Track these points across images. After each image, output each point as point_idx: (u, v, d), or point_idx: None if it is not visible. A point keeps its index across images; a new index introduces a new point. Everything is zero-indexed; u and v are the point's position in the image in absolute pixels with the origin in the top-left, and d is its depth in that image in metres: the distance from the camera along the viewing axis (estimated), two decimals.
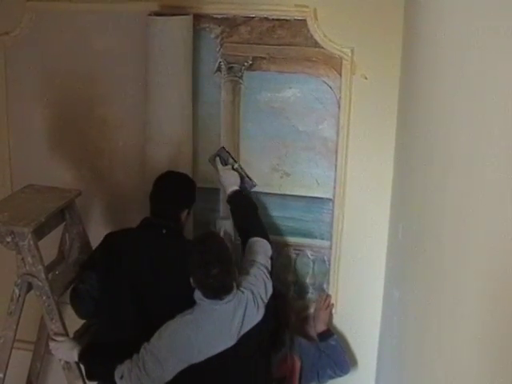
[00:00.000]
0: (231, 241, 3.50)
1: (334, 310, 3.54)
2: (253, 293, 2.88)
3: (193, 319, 2.82)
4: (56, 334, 3.14)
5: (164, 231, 3.12)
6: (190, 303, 2.93)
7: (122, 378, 2.83)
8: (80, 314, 3.23)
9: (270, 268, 3.07)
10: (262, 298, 2.90)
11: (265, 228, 3.27)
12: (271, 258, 3.13)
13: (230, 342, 2.81)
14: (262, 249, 3.11)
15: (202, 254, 2.81)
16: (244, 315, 2.83)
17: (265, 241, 3.16)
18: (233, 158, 3.39)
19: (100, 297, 3.12)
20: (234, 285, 2.84)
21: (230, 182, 3.33)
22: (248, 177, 3.39)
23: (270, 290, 2.97)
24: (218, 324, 2.81)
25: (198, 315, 2.83)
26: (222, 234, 3.49)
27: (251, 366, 2.95)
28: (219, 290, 2.79)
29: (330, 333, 3.41)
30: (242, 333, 2.83)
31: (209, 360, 2.79)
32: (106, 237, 3.18)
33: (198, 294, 2.83)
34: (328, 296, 3.52)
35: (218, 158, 3.38)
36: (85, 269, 3.21)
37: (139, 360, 2.81)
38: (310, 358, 3.30)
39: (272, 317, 3.00)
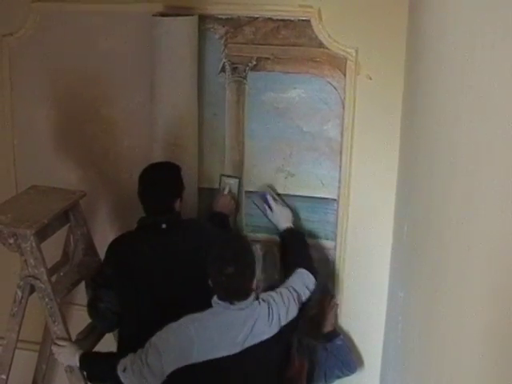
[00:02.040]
0: (235, 198, 3.48)
1: (338, 310, 3.54)
2: (270, 307, 2.82)
3: (200, 318, 2.80)
4: (58, 338, 3.14)
5: (164, 226, 3.11)
6: (209, 292, 2.91)
7: (124, 370, 2.82)
8: (105, 329, 3.27)
9: (303, 298, 2.99)
10: (279, 317, 2.84)
11: (313, 264, 3.20)
12: (310, 292, 3.05)
13: (233, 349, 2.76)
14: (301, 278, 3.05)
15: (220, 251, 2.80)
16: (254, 326, 2.78)
17: (309, 274, 3.09)
18: (278, 195, 3.42)
19: (122, 310, 3.12)
20: (252, 294, 2.80)
21: (283, 220, 3.32)
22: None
23: (293, 315, 2.89)
24: (224, 329, 2.77)
25: (206, 315, 2.80)
26: (226, 191, 3.46)
27: (255, 380, 2.90)
28: (231, 291, 2.76)
29: (336, 333, 3.40)
30: (248, 344, 2.77)
31: (209, 364, 2.76)
32: (110, 248, 3.15)
33: (214, 298, 2.80)
34: (332, 296, 3.51)
35: (268, 196, 3.39)
36: (99, 286, 3.17)
37: (143, 353, 2.79)
38: (316, 359, 3.29)
39: (285, 343, 2.94)
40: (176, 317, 2.88)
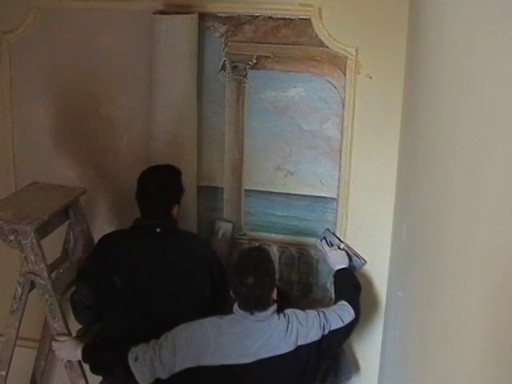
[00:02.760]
0: (228, 243, 3.51)
1: None
2: (290, 323, 2.82)
3: (220, 323, 2.82)
4: (59, 333, 3.14)
5: (158, 230, 3.10)
6: (194, 299, 2.98)
7: (136, 359, 2.82)
8: (78, 321, 3.26)
9: (332, 327, 2.89)
10: (297, 336, 2.82)
11: (358, 305, 3.07)
12: (343, 327, 2.95)
13: (246, 359, 2.77)
14: (339, 308, 2.99)
15: (241, 261, 2.87)
16: (269, 339, 2.78)
17: (350, 309, 2.98)
18: (338, 239, 3.41)
19: (95, 305, 3.13)
20: (272, 306, 2.81)
21: (338, 262, 3.30)
22: (356, 255, 3.38)
23: (313, 338, 2.85)
24: (240, 337, 2.79)
25: (226, 322, 2.82)
26: (220, 235, 3.49)
27: None
28: (251, 301, 2.77)
29: None
30: (262, 356, 2.78)
31: (220, 370, 2.76)
32: (100, 242, 3.17)
33: (235, 306, 2.83)
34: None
35: (324, 241, 3.39)
36: (78, 277, 3.23)
37: (157, 344, 2.81)
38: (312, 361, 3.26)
39: (302, 365, 2.88)
40: (161, 320, 2.93)
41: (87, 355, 3.07)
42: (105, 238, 3.19)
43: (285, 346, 2.80)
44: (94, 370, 3.12)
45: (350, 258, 3.34)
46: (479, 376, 1.37)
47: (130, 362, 2.83)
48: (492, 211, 1.34)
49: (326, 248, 3.36)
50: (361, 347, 3.58)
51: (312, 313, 2.91)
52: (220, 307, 3.10)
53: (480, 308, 1.41)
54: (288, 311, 2.86)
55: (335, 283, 3.26)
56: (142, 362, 2.81)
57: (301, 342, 2.83)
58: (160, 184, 3.14)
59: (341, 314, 2.96)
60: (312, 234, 3.48)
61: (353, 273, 3.31)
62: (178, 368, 2.78)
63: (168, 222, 3.13)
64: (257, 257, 2.88)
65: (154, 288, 3.07)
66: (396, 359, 2.80)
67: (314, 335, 2.85)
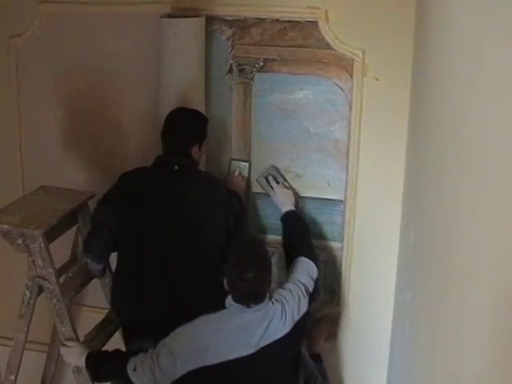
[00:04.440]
0: (246, 180, 3.48)
1: (345, 316, 3.56)
2: (283, 306, 2.84)
3: (216, 320, 2.81)
4: (67, 338, 3.14)
5: (176, 167, 3.14)
6: (208, 237, 3.07)
7: (134, 369, 2.82)
8: (91, 248, 3.20)
9: (310, 289, 3.03)
10: (292, 314, 2.86)
11: (314, 251, 3.23)
12: (316, 281, 3.09)
13: (248, 350, 2.77)
14: (304, 268, 3.07)
15: (240, 255, 2.81)
16: (268, 327, 2.79)
17: (311, 262, 3.12)
18: (283, 177, 3.41)
19: (119, 230, 3.15)
20: (267, 295, 2.82)
21: (285, 201, 3.34)
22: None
23: (304, 309, 2.93)
24: (240, 330, 2.78)
25: (222, 317, 2.81)
26: (236, 173, 3.47)
27: (269, 380, 2.91)
28: (250, 296, 2.76)
29: (319, 359, 3.35)
30: (263, 344, 2.79)
31: (223, 366, 2.76)
32: (121, 176, 3.20)
33: (228, 299, 2.81)
34: (326, 324, 3.52)
35: (270, 178, 3.40)
36: (100, 204, 3.22)
37: (154, 352, 2.80)
38: (310, 371, 3.20)
39: (300, 335, 2.97)
40: (173, 253, 3.07)
41: (90, 363, 3.07)
42: (126, 173, 3.21)
43: (283, 329, 2.83)
44: (96, 378, 3.13)
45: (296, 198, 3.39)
46: (489, 378, 1.37)
47: (129, 372, 2.83)
48: (501, 212, 1.34)
49: (274, 184, 3.38)
50: (369, 349, 3.57)
51: (292, 286, 2.95)
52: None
53: (489, 309, 1.40)
54: (275, 295, 2.87)
55: (285, 228, 3.31)
56: (141, 371, 2.80)
57: (296, 318, 2.87)
58: (182, 122, 3.19)
59: (309, 273, 3.07)
60: (320, 236, 3.48)
61: (301, 216, 3.35)
62: (179, 374, 2.77)
63: (187, 161, 3.17)
64: (257, 252, 2.84)
65: (169, 225, 3.11)
66: (405, 362, 2.79)
67: (304, 307, 2.93)
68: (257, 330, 2.77)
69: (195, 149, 3.18)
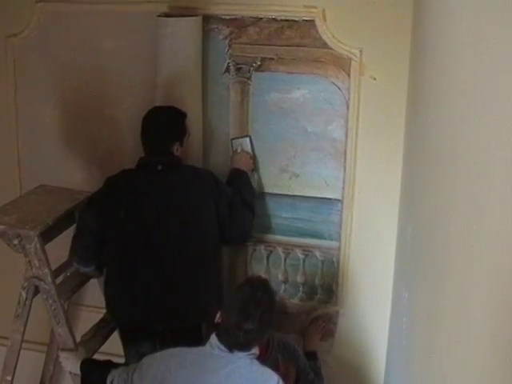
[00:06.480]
0: (250, 155, 3.46)
1: (341, 314, 3.55)
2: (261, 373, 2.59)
3: (183, 355, 2.63)
4: (65, 349, 3.16)
5: (159, 167, 3.15)
6: (199, 231, 3.08)
7: (112, 381, 2.82)
8: (77, 251, 3.24)
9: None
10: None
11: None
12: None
13: None
14: None
15: (247, 301, 2.56)
16: (230, 377, 2.54)
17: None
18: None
19: (98, 231, 3.16)
20: (254, 348, 2.58)
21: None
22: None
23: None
24: (202, 372, 2.56)
25: (191, 354, 2.62)
26: (239, 151, 3.45)
27: None
28: (240, 344, 2.54)
29: (314, 356, 3.35)
30: None
31: None
32: (106, 180, 3.21)
33: (213, 337, 2.58)
34: (323, 322, 3.52)
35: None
36: (87, 206, 3.25)
37: (131, 368, 2.77)
38: (299, 366, 3.13)
39: None
40: (163, 256, 3.07)
41: (81, 369, 3.07)
42: (110, 177, 3.21)
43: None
44: None
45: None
46: (487, 376, 1.38)
47: (108, 383, 2.82)
48: (497, 212, 1.34)
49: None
50: (366, 348, 3.57)
51: None
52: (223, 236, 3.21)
53: (486, 307, 1.41)
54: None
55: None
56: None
57: None
58: (160, 121, 3.19)
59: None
60: (317, 235, 3.48)
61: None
62: None
63: (169, 159, 3.17)
64: (265, 305, 2.58)
65: (158, 224, 3.12)
66: (402, 361, 2.79)
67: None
68: (221, 373, 2.54)
69: (176, 146, 3.19)
